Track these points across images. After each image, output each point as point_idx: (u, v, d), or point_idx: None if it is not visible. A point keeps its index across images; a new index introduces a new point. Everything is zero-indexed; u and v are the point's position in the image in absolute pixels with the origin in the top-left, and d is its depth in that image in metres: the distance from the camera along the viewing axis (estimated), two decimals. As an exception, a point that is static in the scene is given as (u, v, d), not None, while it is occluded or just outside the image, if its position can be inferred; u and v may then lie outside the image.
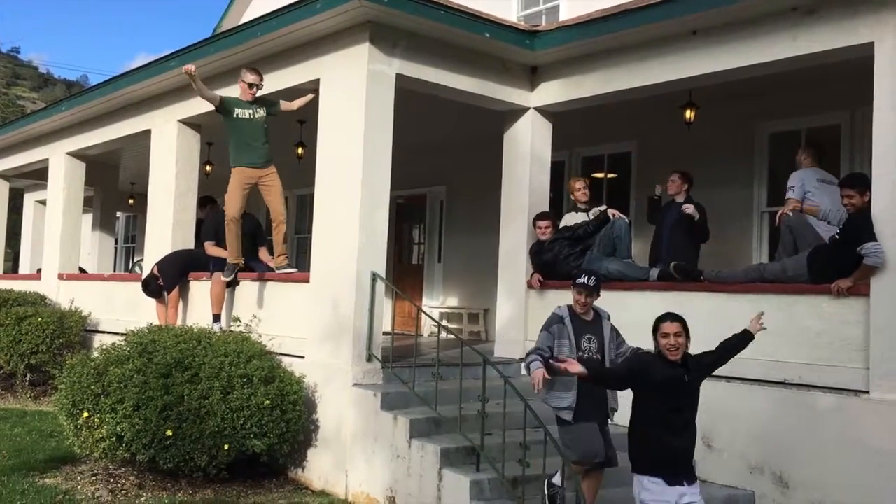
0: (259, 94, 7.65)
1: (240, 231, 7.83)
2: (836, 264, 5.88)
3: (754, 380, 6.29)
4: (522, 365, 5.11)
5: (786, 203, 6.90)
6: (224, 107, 7.56)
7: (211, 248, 8.60)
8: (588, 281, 5.26)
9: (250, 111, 7.62)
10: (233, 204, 7.67)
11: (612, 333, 5.34)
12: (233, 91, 8.50)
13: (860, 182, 5.91)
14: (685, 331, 4.66)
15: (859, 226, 5.72)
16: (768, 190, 8.92)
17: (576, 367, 4.70)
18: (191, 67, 7.27)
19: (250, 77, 7.57)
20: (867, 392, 5.62)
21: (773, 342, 6.20)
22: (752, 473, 6.15)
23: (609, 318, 5.40)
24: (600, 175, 10.52)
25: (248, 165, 7.66)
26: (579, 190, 8.20)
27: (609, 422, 5.35)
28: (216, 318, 8.13)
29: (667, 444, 4.49)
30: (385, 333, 7.25)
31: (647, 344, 6.93)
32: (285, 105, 7.82)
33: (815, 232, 6.60)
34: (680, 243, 7.63)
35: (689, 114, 8.50)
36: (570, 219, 8.12)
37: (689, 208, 7.52)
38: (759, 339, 6.25)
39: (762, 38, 6.38)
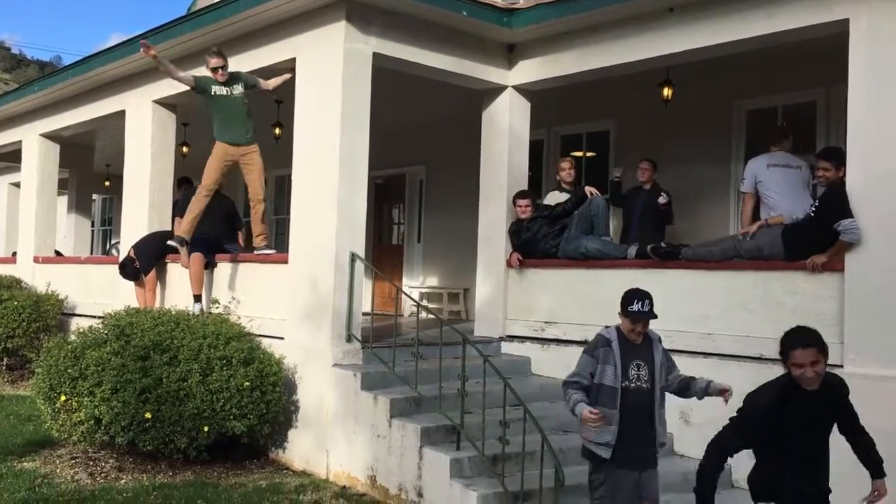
0: (230, 70, 7.56)
1: (206, 204, 7.73)
2: (812, 240, 5.93)
3: (731, 355, 6.36)
4: (566, 404, 4.50)
5: (743, 209, 6.96)
6: (199, 86, 7.48)
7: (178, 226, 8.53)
8: (643, 307, 4.44)
9: (227, 89, 7.55)
10: (209, 175, 7.63)
11: (664, 358, 4.60)
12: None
13: (836, 156, 5.94)
14: (824, 352, 3.83)
15: (835, 203, 5.75)
16: (745, 166, 8.96)
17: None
18: (152, 51, 7.17)
19: (213, 61, 7.47)
20: (841, 366, 5.68)
21: (750, 318, 6.28)
22: (728, 448, 6.22)
23: (660, 341, 4.64)
24: (579, 154, 10.52)
25: (229, 142, 7.61)
26: (565, 170, 8.33)
27: (657, 459, 4.60)
28: (197, 298, 8.09)
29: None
30: (365, 314, 7.25)
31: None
32: (262, 84, 7.75)
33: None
34: (649, 228, 8.02)
35: (666, 92, 8.51)
36: (553, 198, 8.18)
37: (665, 198, 7.93)
38: (736, 316, 6.37)
39: (738, 15, 6.38)
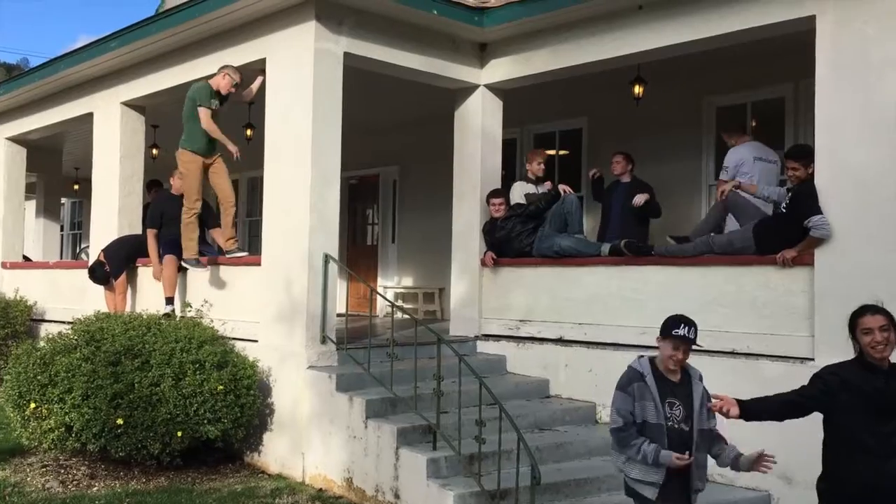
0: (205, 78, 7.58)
1: (198, 220, 7.78)
2: (782, 236, 5.99)
3: (704, 350, 6.29)
4: (617, 462, 4.15)
5: (719, 183, 7.00)
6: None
7: (151, 238, 8.44)
8: (688, 332, 4.06)
9: (216, 102, 7.61)
10: (194, 190, 7.65)
11: (704, 398, 4.13)
12: (179, 72, 8.37)
13: (804, 154, 6.01)
14: (894, 325, 3.82)
15: (805, 198, 5.81)
16: (716, 162, 9.03)
17: (734, 410, 3.96)
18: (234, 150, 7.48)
19: (238, 76, 7.57)
20: (812, 359, 5.75)
21: (722, 313, 6.32)
22: (703, 442, 6.26)
23: (701, 379, 4.21)
24: (552, 152, 10.54)
25: (200, 153, 7.57)
26: (538, 164, 8.26)
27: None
28: (169, 300, 8.00)
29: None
30: (339, 315, 7.21)
31: (602, 318, 7.07)
32: (246, 94, 7.82)
33: (755, 207, 6.70)
34: (631, 221, 7.91)
35: (637, 89, 8.55)
36: (520, 188, 8.13)
37: (641, 199, 7.78)
38: (708, 311, 6.41)
39: (706, 12, 6.42)
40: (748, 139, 7.39)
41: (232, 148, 7.47)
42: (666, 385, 4.09)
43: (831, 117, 5.73)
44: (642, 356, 4.26)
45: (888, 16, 5.50)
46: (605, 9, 6.94)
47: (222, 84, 7.54)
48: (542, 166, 8.33)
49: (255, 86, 7.78)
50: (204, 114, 7.41)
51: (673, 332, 4.09)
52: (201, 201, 7.72)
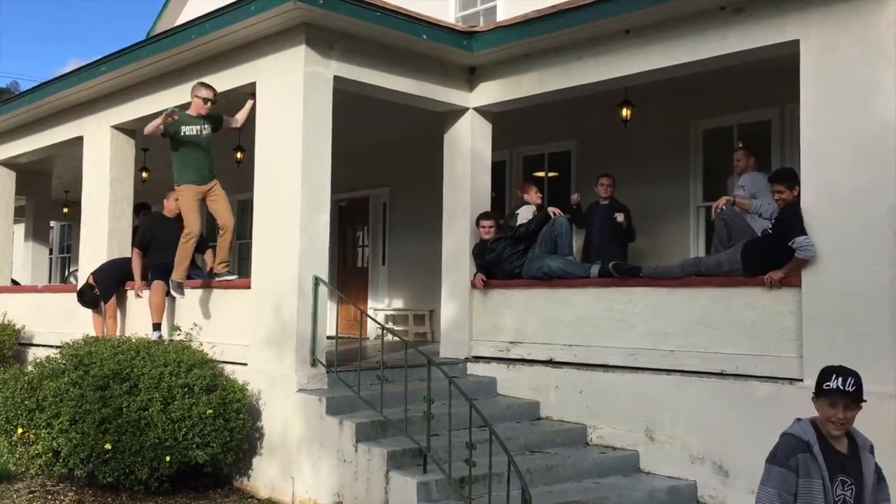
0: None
1: (193, 248, 7.71)
2: (769, 257, 6.03)
3: (694, 371, 6.42)
4: None
5: (718, 198, 7.07)
6: (167, 130, 7.26)
7: (135, 258, 8.44)
8: (844, 384, 3.30)
9: (198, 127, 7.43)
10: (191, 219, 7.56)
11: (876, 474, 3.42)
12: (169, 96, 8.36)
13: (789, 177, 6.08)
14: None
15: (790, 220, 5.86)
16: (703, 185, 9.12)
17: None
18: (174, 115, 7.17)
19: (205, 92, 7.41)
20: (801, 380, 5.77)
21: (712, 334, 6.35)
22: (693, 463, 6.27)
23: (872, 451, 3.46)
24: (541, 174, 10.62)
25: (194, 182, 7.51)
26: (536, 192, 8.70)
27: None
28: (156, 326, 7.96)
29: None
30: (329, 337, 7.20)
31: (591, 339, 7.07)
32: (228, 122, 7.77)
33: (748, 225, 6.77)
34: (609, 242, 8.27)
35: (625, 112, 8.63)
36: (526, 212, 8.44)
37: (620, 217, 8.13)
38: (697, 332, 6.44)
39: (693, 37, 6.50)
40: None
41: (158, 121, 7.20)
42: (833, 457, 3.31)
43: (817, 139, 5.80)
44: (801, 419, 3.47)
45: (872, 38, 5.58)
46: (593, 33, 7.02)
47: (194, 107, 7.42)
48: (539, 193, 8.73)
49: (242, 113, 7.76)
50: (149, 129, 7.27)
51: (825, 387, 3.34)
52: (199, 232, 7.68)
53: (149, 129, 7.29)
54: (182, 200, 7.60)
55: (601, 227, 8.36)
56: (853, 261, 5.58)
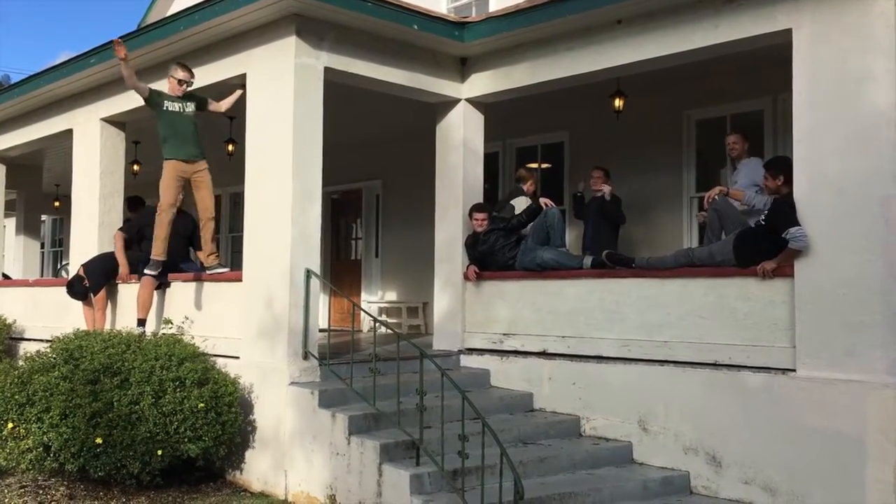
0: (189, 90, 7.47)
1: (171, 223, 7.56)
2: (762, 248, 6.02)
3: (686, 362, 6.41)
4: None
5: (712, 188, 7.07)
6: (152, 99, 7.33)
7: (118, 240, 8.44)
8: None
9: (180, 105, 7.43)
10: (166, 193, 7.44)
11: None
12: (160, 87, 8.29)
13: (782, 166, 6.06)
14: None
15: (783, 211, 5.85)
16: (696, 175, 9.11)
17: None
18: (124, 51, 7.02)
19: (180, 73, 7.36)
20: (794, 370, 5.77)
21: (704, 325, 6.34)
22: (686, 454, 6.27)
23: None
24: (534, 165, 10.59)
25: (180, 159, 7.44)
26: (532, 183, 8.75)
27: None
28: (141, 322, 7.77)
29: None
30: (322, 330, 7.17)
31: (584, 331, 7.06)
32: (214, 105, 7.68)
33: (740, 216, 6.76)
34: (602, 230, 8.34)
35: (618, 102, 8.61)
36: (523, 201, 8.47)
37: (606, 189, 8.29)
38: (690, 323, 6.43)
39: (684, 27, 6.48)
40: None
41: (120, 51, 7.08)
42: None
43: (810, 129, 5.78)
44: None
45: (864, 27, 5.56)
46: (584, 23, 6.99)
47: (170, 89, 7.39)
48: (533, 183, 8.82)
49: (227, 99, 7.69)
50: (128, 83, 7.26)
51: None
52: (175, 207, 7.55)
53: (128, 83, 7.32)
54: (164, 174, 7.49)
55: (595, 216, 8.41)
56: (846, 250, 5.57)
